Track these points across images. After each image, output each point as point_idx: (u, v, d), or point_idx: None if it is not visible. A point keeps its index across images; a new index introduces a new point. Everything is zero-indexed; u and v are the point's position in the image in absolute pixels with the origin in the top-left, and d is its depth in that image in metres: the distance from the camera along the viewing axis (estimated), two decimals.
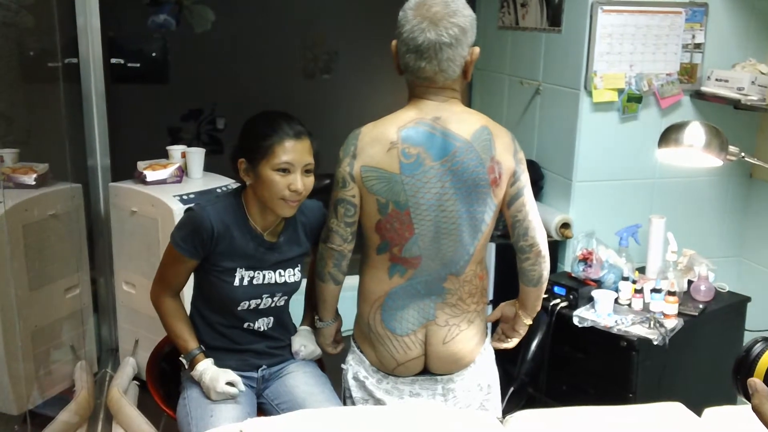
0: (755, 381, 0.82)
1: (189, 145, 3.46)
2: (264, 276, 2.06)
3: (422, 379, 2.01)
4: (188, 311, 2.16)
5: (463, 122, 1.86)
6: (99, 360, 3.41)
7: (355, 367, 2.04)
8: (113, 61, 4.47)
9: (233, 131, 4.06)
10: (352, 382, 2.04)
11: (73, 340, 3.21)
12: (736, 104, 2.93)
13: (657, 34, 2.99)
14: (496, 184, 1.88)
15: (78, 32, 3.21)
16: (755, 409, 0.80)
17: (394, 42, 1.86)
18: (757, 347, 0.85)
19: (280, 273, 2.08)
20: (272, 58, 4.97)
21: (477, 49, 1.87)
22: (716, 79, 3.03)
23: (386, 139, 1.84)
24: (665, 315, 2.66)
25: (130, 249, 3.17)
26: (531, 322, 2.14)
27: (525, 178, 1.94)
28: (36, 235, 2.91)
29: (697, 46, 3.06)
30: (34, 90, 3.27)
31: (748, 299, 2.92)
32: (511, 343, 2.17)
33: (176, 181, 3.18)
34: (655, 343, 2.56)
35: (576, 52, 3.01)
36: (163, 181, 3.15)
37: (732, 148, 2.34)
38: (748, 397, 0.85)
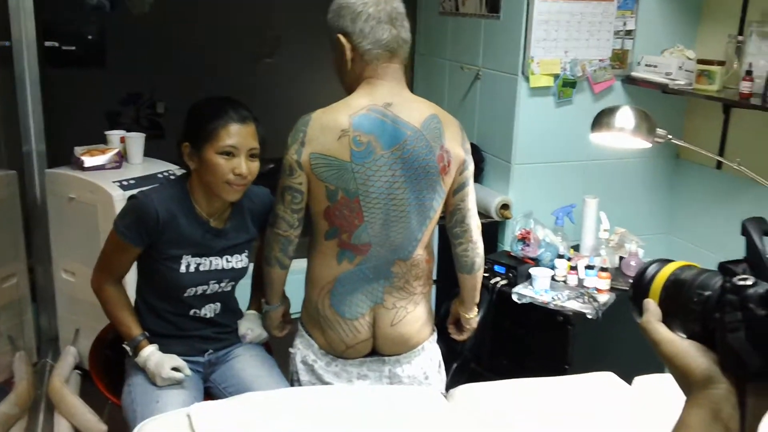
0: (649, 301, 0.85)
1: (128, 130, 3.40)
2: (211, 262, 2.06)
3: (370, 361, 2.04)
4: (131, 297, 2.15)
5: (414, 110, 1.88)
6: (38, 350, 3.34)
7: (304, 351, 2.04)
8: (47, 44, 4.34)
9: (174, 115, 4.01)
10: (300, 366, 2.05)
11: (10, 331, 3.15)
12: (664, 89, 3.05)
13: (590, 21, 3.08)
14: (445, 172, 1.91)
15: (10, 14, 3.11)
16: (642, 326, 0.84)
17: (339, 35, 1.86)
18: (651, 269, 0.87)
19: (227, 259, 2.08)
20: (214, 41, 4.91)
21: None
22: (646, 65, 3.15)
23: (337, 126, 1.83)
24: (598, 290, 2.77)
25: (69, 236, 3.11)
26: (473, 315, 2.19)
27: (472, 168, 1.99)
28: None
29: (628, 32, 3.17)
30: None
31: None
32: (463, 336, 2.25)
33: (115, 167, 3.13)
34: (589, 317, 2.66)
35: (514, 38, 3.08)
36: (101, 167, 3.10)
37: (659, 131, 2.45)
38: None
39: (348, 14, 1.84)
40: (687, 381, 0.79)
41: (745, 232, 0.78)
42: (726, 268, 0.79)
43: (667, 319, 0.84)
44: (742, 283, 0.75)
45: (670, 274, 0.85)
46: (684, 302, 0.81)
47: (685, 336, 0.82)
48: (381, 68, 1.86)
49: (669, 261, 0.87)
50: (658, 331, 0.82)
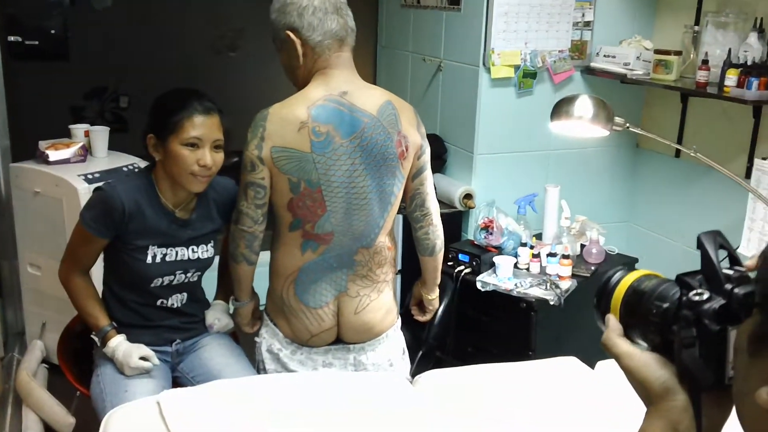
0: (609, 317, 0.87)
1: (92, 124, 3.39)
2: (177, 253, 2.07)
3: (335, 349, 2.07)
4: (98, 288, 2.16)
5: (369, 97, 1.91)
6: (5, 344, 3.32)
7: (269, 339, 2.07)
8: (10, 38, 4.30)
9: (137, 109, 4.00)
10: (266, 355, 2.07)
11: None
12: (623, 79, 3.12)
13: (549, 12, 3.14)
14: (403, 157, 1.94)
15: None
16: (603, 342, 0.86)
17: (288, 32, 1.89)
18: (616, 276, 0.88)
19: (193, 249, 2.10)
20: (177, 35, 4.89)
21: None
22: (604, 55, 3.21)
23: (296, 118, 1.85)
24: (560, 277, 2.83)
25: (34, 230, 3.10)
26: (435, 297, 2.23)
27: (429, 152, 2.03)
28: None
29: (587, 23, 3.23)
30: None
31: (636, 260, 3.13)
32: (427, 316, 2.29)
33: (80, 161, 3.12)
34: (552, 303, 2.72)
35: (475, 30, 3.13)
36: (66, 161, 3.09)
37: (618, 119, 2.50)
38: None
39: (294, 10, 1.87)
40: (647, 393, 0.81)
41: (700, 245, 0.79)
42: (683, 281, 0.80)
43: (629, 330, 0.85)
44: (697, 298, 0.76)
45: (629, 286, 0.86)
46: (644, 313, 0.83)
47: (646, 346, 0.83)
48: (333, 58, 1.89)
49: (632, 270, 0.88)
50: (618, 345, 0.85)
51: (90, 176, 2.97)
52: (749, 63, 2.65)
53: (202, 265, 2.14)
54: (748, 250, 2.74)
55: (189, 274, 2.12)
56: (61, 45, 4.71)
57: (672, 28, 3.20)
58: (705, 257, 0.78)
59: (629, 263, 3.10)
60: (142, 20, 4.78)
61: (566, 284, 2.80)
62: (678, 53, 2.96)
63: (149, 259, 2.03)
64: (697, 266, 0.79)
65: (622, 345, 0.84)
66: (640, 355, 0.83)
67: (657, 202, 3.41)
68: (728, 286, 0.76)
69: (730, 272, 0.77)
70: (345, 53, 1.91)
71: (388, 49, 3.99)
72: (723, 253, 0.79)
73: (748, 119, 2.84)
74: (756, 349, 0.67)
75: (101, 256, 2.11)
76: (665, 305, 0.80)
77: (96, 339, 2.07)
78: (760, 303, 0.67)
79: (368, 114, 1.89)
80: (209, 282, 2.27)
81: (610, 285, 0.88)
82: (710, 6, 2.99)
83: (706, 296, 0.76)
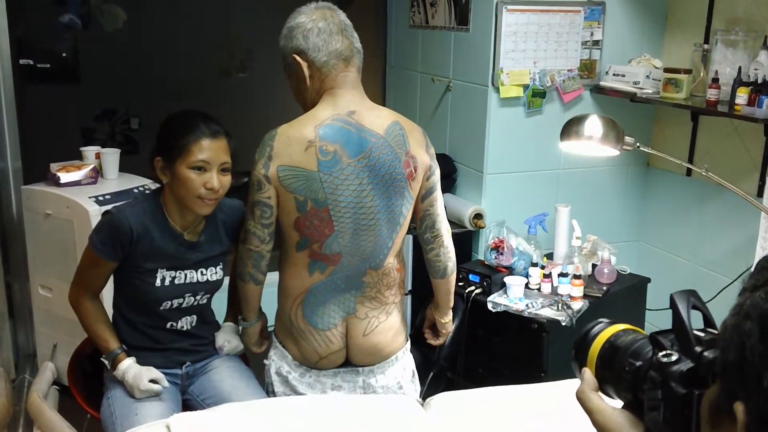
0: (585, 370, 0.87)
1: (103, 146, 3.42)
2: (186, 275, 2.07)
3: (344, 371, 2.05)
4: (108, 311, 2.16)
5: (376, 117, 1.92)
6: (17, 366, 3.33)
7: (278, 362, 2.06)
8: (22, 61, 4.36)
9: (148, 131, 4.03)
10: (275, 377, 2.06)
11: None
12: (632, 97, 3.11)
13: (558, 32, 3.15)
14: (412, 178, 1.94)
15: None
16: (577, 395, 0.86)
17: (295, 55, 1.90)
18: (595, 329, 0.88)
19: (201, 272, 2.10)
20: (187, 57, 4.94)
21: None
22: (614, 74, 3.21)
23: (304, 138, 1.86)
24: (572, 297, 2.81)
25: (46, 252, 3.11)
26: (448, 320, 2.21)
27: (438, 173, 2.03)
28: None
29: (596, 43, 3.24)
30: None
31: (648, 280, 3.10)
32: (440, 340, 2.27)
33: (91, 183, 3.14)
34: (564, 324, 2.70)
35: (483, 49, 3.14)
36: (77, 183, 3.10)
37: (628, 139, 2.50)
38: None
39: (299, 33, 1.88)
40: None
41: (672, 305, 0.77)
42: (656, 340, 0.78)
43: (603, 385, 0.85)
44: (666, 359, 0.75)
45: (606, 340, 0.86)
46: (617, 370, 0.82)
47: (621, 401, 0.82)
48: (340, 77, 1.90)
49: (613, 323, 0.88)
50: (590, 400, 0.84)
51: (101, 198, 2.98)
52: (760, 81, 2.65)
53: (211, 287, 2.14)
54: None
55: (198, 297, 2.12)
56: (72, 68, 4.76)
57: (681, 46, 3.20)
58: (676, 317, 0.76)
59: (641, 282, 3.08)
60: (153, 42, 4.83)
61: (578, 305, 2.78)
62: (688, 72, 2.96)
63: (158, 282, 2.03)
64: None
65: (595, 400, 0.84)
66: (612, 412, 0.82)
67: (668, 221, 3.39)
68: (698, 349, 0.74)
69: (702, 334, 0.75)
70: (351, 73, 1.92)
71: (396, 69, 4.00)
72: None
73: (760, 137, 2.83)
74: (715, 421, 0.65)
75: (111, 279, 2.11)
76: (638, 363, 0.80)
77: (106, 362, 2.07)
78: (720, 373, 0.65)
79: (375, 134, 1.89)
80: (219, 303, 2.26)
81: (589, 338, 0.88)
82: (719, 24, 2.99)
83: (674, 358, 0.75)
